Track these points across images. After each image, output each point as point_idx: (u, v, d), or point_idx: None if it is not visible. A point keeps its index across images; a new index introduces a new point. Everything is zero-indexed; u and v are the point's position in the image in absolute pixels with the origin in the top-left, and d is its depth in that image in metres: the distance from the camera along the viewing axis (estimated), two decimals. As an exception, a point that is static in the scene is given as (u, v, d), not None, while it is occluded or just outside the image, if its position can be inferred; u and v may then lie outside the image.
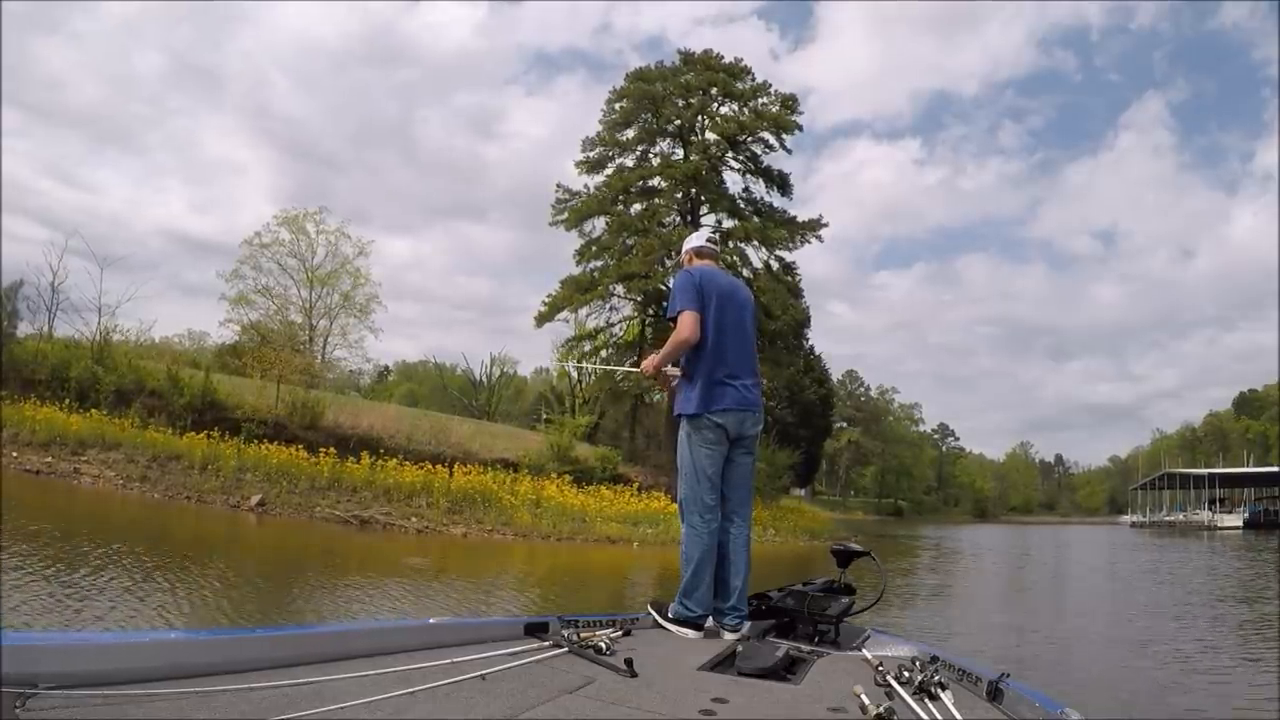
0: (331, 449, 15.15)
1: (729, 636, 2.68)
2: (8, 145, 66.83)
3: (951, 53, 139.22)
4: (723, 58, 27.03)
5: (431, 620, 2.07)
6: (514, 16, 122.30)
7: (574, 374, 33.52)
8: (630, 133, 27.20)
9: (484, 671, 1.67)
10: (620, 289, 26.37)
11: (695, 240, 3.23)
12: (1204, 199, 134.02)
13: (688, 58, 27.27)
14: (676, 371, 3.00)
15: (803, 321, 28.12)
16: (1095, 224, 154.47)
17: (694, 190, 26.68)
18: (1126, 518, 63.42)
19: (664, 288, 23.44)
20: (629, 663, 1.86)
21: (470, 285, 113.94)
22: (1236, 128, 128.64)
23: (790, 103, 26.83)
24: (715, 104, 27.00)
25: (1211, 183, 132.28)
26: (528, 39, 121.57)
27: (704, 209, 26.98)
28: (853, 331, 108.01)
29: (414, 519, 13.88)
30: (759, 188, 27.37)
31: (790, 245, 26.73)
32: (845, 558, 3.10)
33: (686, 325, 2.85)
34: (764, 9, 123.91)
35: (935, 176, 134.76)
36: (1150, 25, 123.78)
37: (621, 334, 28.19)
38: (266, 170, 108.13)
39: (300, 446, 15.33)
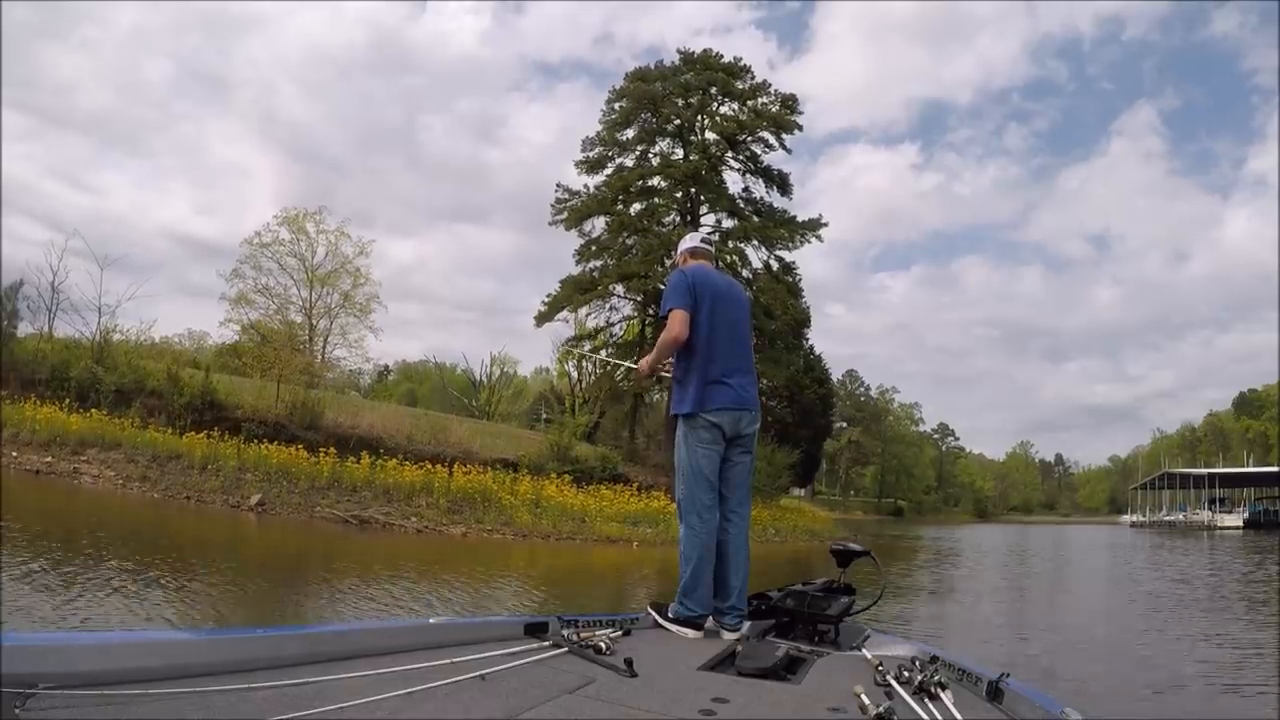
0: (331, 449, 15.14)
1: (728, 636, 2.68)
2: (16, 149, 67.20)
3: (945, 61, 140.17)
4: (722, 57, 27.04)
5: (431, 620, 2.07)
6: (516, 27, 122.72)
7: (573, 373, 33.53)
8: (630, 132, 27.21)
9: (484, 671, 1.67)
10: (620, 289, 26.39)
11: (689, 241, 3.26)
12: (1197, 203, 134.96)
13: (687, 57, 27.26)
14: (669, 375, 3.04)
15: (802, 321, 28.12)
16: (1089, 228, 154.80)
17: (694, 190, 26.69)
18: (1127, 517, 63.41)
19: (663, 287, 23.42)
20: (629, 663, 1.86)
21: (472, 286, 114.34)
22: (1227, 134, 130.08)
23: (790, 102, 26.84)
24: (715, 103, 27.00)
25: (1204, 187, 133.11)
26: (530, 48, 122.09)
27: (704, 208, 26.99)
28: (852, 333, 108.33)
29: (414, 519, 13.88)
30: (759, 188, 27.40)
31: (790, 245, 26.75)
32: (845, 558, 3.10)
33: (676, 323, 2.88)
34: (762, 19, 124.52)
35: (931, 182, 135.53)
36: (1141, 35, 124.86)
37: (621, 334, 28.21)
38: (272, 173, 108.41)
39: (300, 446, 15.33)
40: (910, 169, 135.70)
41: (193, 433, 14.99)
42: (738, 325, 3.01)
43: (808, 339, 31.28)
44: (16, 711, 1.06)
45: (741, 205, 26.88)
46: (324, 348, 24.82)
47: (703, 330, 2.90)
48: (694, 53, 27.31)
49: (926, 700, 1.68)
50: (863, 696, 1.57)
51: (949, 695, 1.71)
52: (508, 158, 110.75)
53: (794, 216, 27.02)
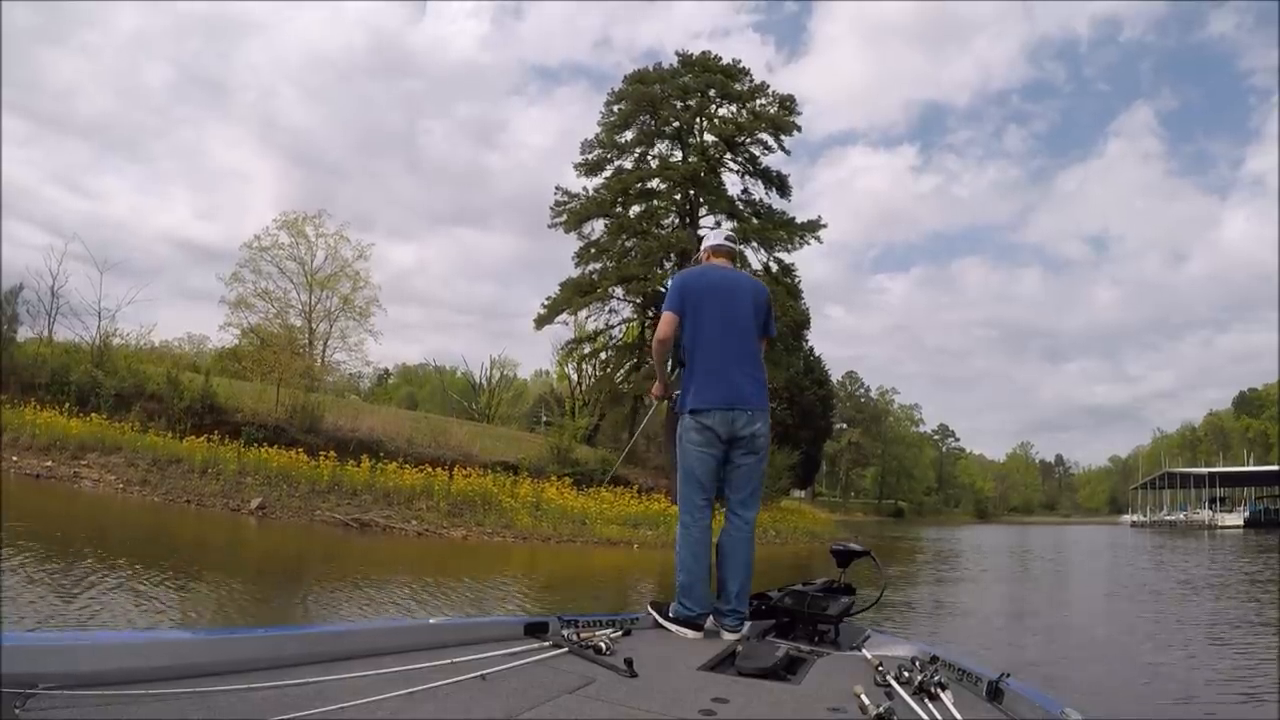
0: (331, 452, 15.14)
1: (728, 637, 2.68)
2: (16, 153, 67.46)
3: (943, 64, 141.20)
4: (720, 59, 27.04)
5: (431, 620, 2.07)
6: (515, 31, 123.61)
7: (573, 375, 33.48)
8: (629, 135, 27.17)
9: (484, 671, 1.67)
10: (620, 291, 26.36)
11: (709, 240, 3.25)
12: (1195, 204, 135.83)
13: (686, 60, 27.26)
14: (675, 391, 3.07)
15: (802, 323, 28.09)
16: (1087, 229, 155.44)
17: (693, 192, 26.66)
18: (1127, 517, 63.41)
19: (663, 290, 23.41)
20: (629, 663, 1.86)
21: (472, 290, 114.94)
22: (1224, 135, 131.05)
23: (789, 103, 26.82)
24: (713, 105, 26.99)
25: (1202, 188, 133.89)
26: (529, 52, 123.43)
27: (703, 210, 26.96)
28: (851, 334, 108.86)
29: (414, 522, 13.87)
30: (758, 189, 27.38)
31: (789, 246, 26.71)
32: (845, 558, 3.10)
33: (660, 325, 2.94)
34: (760, 23, 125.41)
35: (930, 183, 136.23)
36: (1139, 36, 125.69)
37: (621, 336, 28.18)
38: (272, 178, 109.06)
39: (300, 450, 15.32)
40: (909, 171, 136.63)
41: (193, 436, 14.98)
42: (734, 322, 2.92)
43: (807, 340, 31.25)
44: (16, 711, 1.06)
45: (740, 207, 26.86)
46: (324, 351, 24.83)
47: (691, 329, 2.89)
48: (692, 55, 27.31)
49: (926, 700, 1.68)
50: (863, 696, 1.56)
51: (949, 695, 1.71)
52: (507, 161, 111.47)
53: (793, 218, 26.99)
